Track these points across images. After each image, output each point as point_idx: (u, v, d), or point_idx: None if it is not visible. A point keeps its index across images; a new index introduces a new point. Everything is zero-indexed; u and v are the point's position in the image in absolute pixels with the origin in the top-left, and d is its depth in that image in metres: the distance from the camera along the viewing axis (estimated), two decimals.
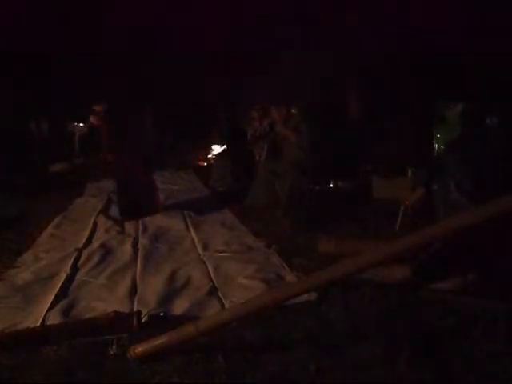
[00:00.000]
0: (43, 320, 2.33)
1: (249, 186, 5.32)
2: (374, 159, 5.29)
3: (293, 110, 5.54)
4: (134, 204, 4.60)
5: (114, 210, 4.94)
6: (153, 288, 2.76)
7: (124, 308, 2.46)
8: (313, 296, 2.47)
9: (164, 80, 10.04)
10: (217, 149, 8.06)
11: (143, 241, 3.80)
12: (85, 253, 3.47)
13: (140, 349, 1.94)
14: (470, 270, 2.56)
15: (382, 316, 2.29)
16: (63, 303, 2.54)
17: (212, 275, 2.97)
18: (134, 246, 3.67)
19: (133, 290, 2.76)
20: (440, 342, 2.05)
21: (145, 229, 4.20)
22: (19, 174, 6.03)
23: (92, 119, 4.81)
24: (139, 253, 3.48)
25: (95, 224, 4.34)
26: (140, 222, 4.46)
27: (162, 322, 2.31)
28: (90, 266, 3.19)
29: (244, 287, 2.75)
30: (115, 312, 2.33)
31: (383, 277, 2.61)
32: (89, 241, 3.81)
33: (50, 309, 2.45)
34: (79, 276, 3.00)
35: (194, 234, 3.99)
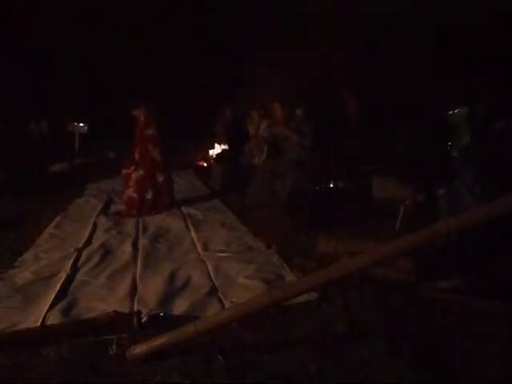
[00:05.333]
0: (43, 320, 2.32)
1: (248, 186, 5.32)
2: (375, 159, 5.28)
3: (297, 111, 5.56)
4: None
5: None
6: (153, 288, 2.76)
7: (124, 308, 2.46)
8: (313, 296, 2.47)
9: (163, 80, 10.06)
10: (217, 149, 8.05)
11: (143, 241, 3.80)
12: (85, 253, 3.46)
13: (140, 349, 1.94)
14: (470, 270, 2.56)
15: (382, 316, 2.29)
16: (63, 303, 2.54)
17: (212, 275, 2.97)
18: (134, 245, 3.66)
19: (133, 290, 2.76)
20: (440, 342, 2.05)
21: (145, 229, 4.20)
22: (19, 175, 6.02)
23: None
24: (139, 253, 3.48)
25: (95, 224, 4.34)
26: (140, 221, 4.46)
27: (162, 321, 2.31)
28: (90, 265, 3.19)
29: (244, 287, 2.75)
30: (115, 312, 2.33)
31: (384, 275, 2.61)
32: (89, 241, 3.80)
33: (49, 309, 2.45)
34: (79, 276, 3.00)
35: (193, 234, 3.99)
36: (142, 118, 4.99)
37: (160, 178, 4.94)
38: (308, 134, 5.23)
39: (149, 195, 4.88)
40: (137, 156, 4.95)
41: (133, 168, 4.92)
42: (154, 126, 4.98)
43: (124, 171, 4.98)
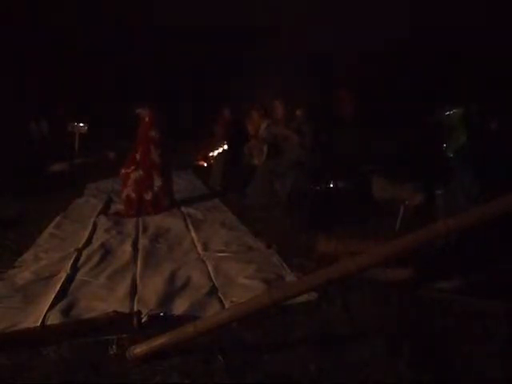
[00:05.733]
0: (43, 320, 2.32)
1: (248, 186, 5.32)
2: (375, 159, 5.28)
3: (297, 112, 5.56)
4: None
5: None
6: (153, 288, 2.75)
7: (124, 308, 2.46)
8: (313, 296, 2.47)
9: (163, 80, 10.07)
10: (217, 149, 8.05)
11: (143, 241, 3.80)
12: (85, 253, 3.46)
13: (140, 349, 1.94)
14: (470, 270, 2.56)
15: (382, 316, 2.29)
16: (63, 303, 2.54)
17: (212, 275, 2.97)
18: (134, 245, 3.66)
19: (133, 290, 2.76)
20: (440, 342, 2.05)
21: (145, 229, 4.20)
22: (19, 175, 6.02)
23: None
24: (139, 253, 3.48)
25: (95, 224, 4.34)
26: (140, 221, 4.46)
27: (161, 321, 2.31)
28: (89, 265, 3.18)
29: (244, 287, 2.75)
30: (115, 312, 2.33)
31: (384, 276, 2.61)
32: (89, 241, 3.80)
33: (49, 309, 2.45)
34: (79, 276, 3.00)
35: (193, 234, 3.99)
36: (147, 119, 4.98)
37: (158, 181, 4.92)
38: (308, 134, 5.23)
39: (148, 196, 4.87)
40: (138, 156, 4.94)
41: (133, 168, 4.91)
42: (157, 128, 4.97)
43: (124, 170, 4.97)
